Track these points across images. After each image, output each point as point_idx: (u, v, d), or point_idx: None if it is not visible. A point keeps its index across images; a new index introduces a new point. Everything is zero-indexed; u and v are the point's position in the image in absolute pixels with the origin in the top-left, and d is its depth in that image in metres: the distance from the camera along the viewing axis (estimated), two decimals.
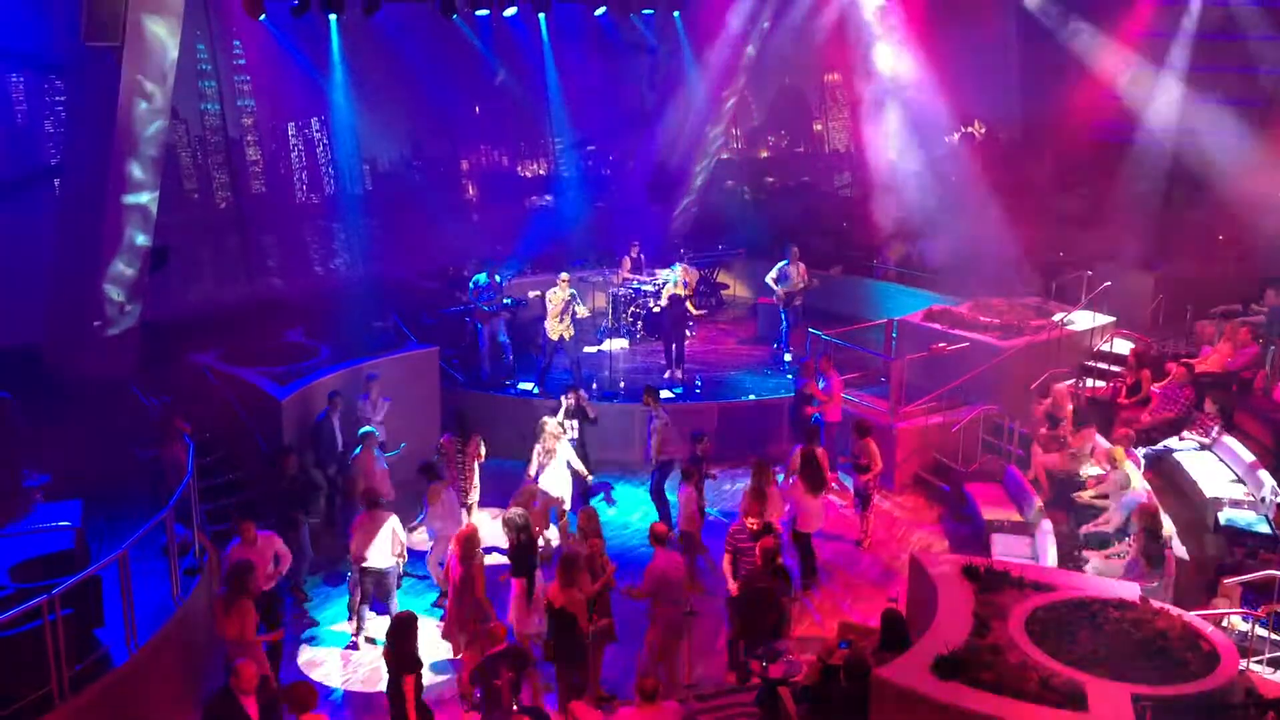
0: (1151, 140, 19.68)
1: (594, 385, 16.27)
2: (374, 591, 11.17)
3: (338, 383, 14.07)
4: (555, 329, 16.33)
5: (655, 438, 13.37)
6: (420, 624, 9.20)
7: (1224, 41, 19.29)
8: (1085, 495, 12.46)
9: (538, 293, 17.12)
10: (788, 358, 17.65)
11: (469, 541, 10.20)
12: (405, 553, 11.43)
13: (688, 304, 17.23)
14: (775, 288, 17.60)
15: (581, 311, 16.64)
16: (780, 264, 17.62)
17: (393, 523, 11.06)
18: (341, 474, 13.11)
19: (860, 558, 13.08)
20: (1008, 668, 7.99)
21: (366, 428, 12.92)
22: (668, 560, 10.01)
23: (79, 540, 10.16)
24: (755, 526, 10.56)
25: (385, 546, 10.97)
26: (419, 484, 12.28)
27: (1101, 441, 13.17)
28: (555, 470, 12.84)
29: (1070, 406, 13.87)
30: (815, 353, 15.75)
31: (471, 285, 16.75)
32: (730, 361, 18.19)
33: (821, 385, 14.42)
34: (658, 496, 13.42)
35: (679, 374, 16.97)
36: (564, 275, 16.62)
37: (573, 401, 13.95)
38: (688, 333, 17.68)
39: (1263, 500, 11.57)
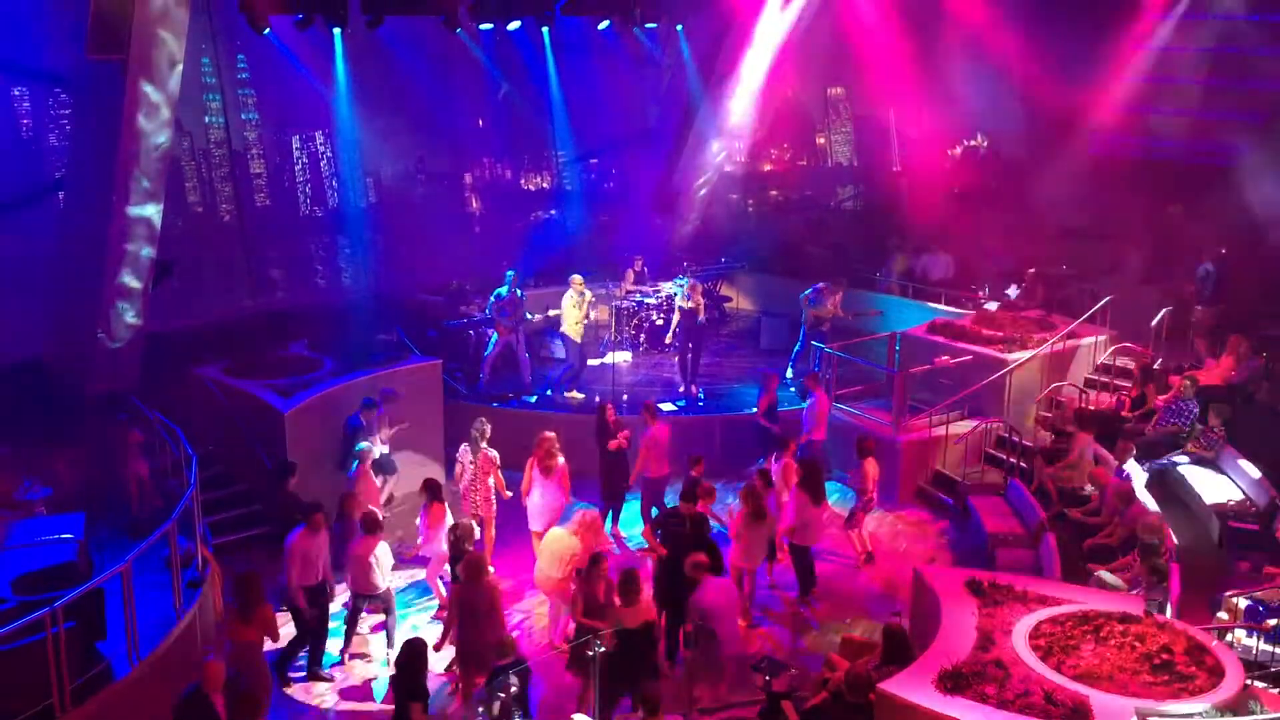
0: (1156, 153, 19.72)
1: (596, 398, 16.28)
2: (381, 611, 11.23)
3: (354, 393, 14.07)
4: (575, 331, 16.51)
5: (639, 455, 13.40)
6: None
7: (1226, 55, 19.32)
8: (1077, 512, 12.46)
9: (540, 316, 17.42)
10: (789, 374, 17.66)
11: (474, 567, 9.94)
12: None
13: (700, 317, 17.08)
14: (805, 308, 17.28)
15: (578, 314, 16.69)
16: (820, 284, 17.37)
17: (383, 546, 11.01)
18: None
19: (862, 572, 13.05)
20: (1012, 682, 7.97)
21: (362, 444, 12.84)
22: (718, 590, 9.92)
23: (81, 553, 10.16)
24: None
25: (384, 570, 10.97)
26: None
27: (1101, 450, 13.19)
28: (550, 484, 12.73)
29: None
30: (814, 367, 15.75)
31: (493, 298, 16.75)
32: (733, 374, 18.17)
33: (808, 402, 14.39)
34: (648, 513, 13.42)
35: (694, 389, 16.91)
36: (575, 277, 16.80)
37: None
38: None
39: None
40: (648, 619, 9.43)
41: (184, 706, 8.31)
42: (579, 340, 16.63)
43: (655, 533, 11.16)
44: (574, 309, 16.57)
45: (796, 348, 17.55)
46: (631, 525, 14.18)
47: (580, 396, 16.50)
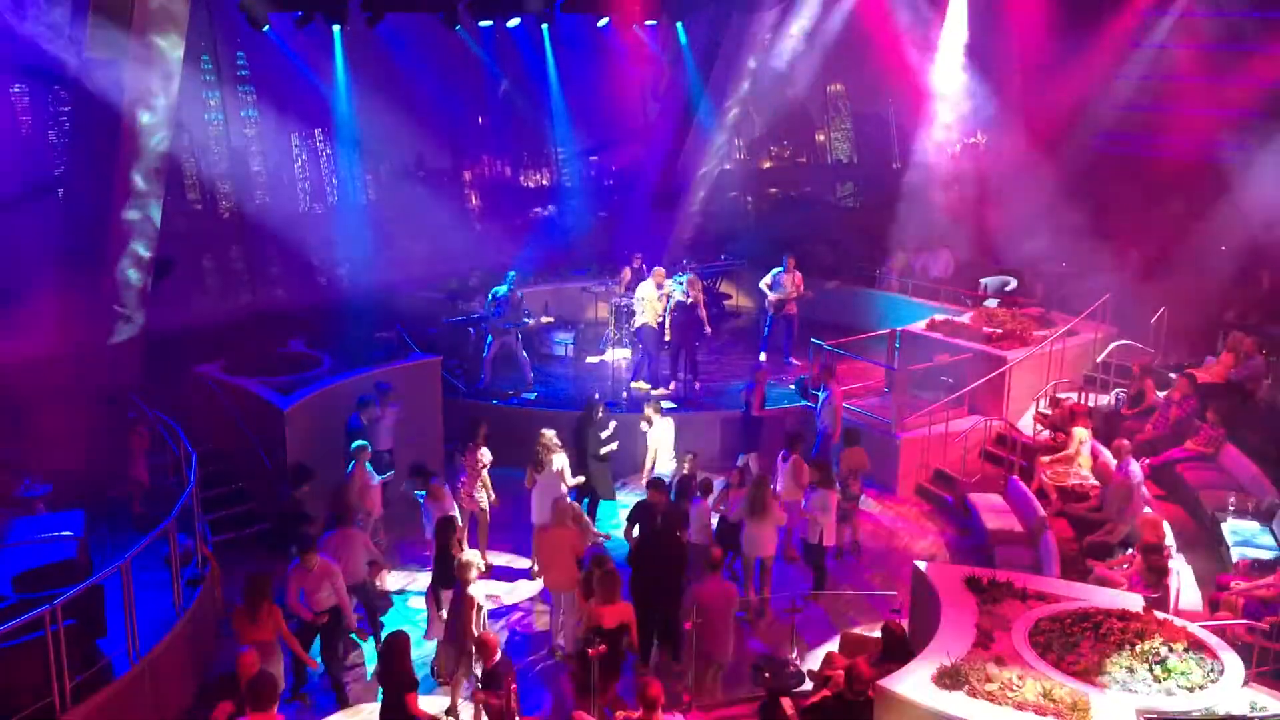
0: (1155, 152, 19.69)
1: (596, 395, 16.26)
2: (361, 606, 11.13)
3: (354, 390, 14.04)
4: (654, 323, 16.73)
5: (649, 453, 13.39)
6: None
7: (1226, 53, 19.27)
8: (1079, 508, 12.48)
9: (547, 317, 17.76)
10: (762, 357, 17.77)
11: (464, 567, 9.81)
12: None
13: (700, 313, 17.01)
14: (768, 294, 17.74)
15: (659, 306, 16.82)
16: (775, 270, 17.70)
17: (362, 538, 10.98)
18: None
19: (863, 569, 13.05)
20: (1011, 679, 7.98)
21: (359, 442, 12.80)
22: (717, 589, 9.95)
23: (81, 550, 10.17)
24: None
25: (360, 562, 10.90)
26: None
27: (1100, 447, 13.21)
28: (548, 481, 12.77)
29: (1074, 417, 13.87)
30: (819, 363, 15.73)
31: (490, 297, 16.73)
32: (732, 371, 18.17)
33: (822, 397, 14.37)
34: None
35: (696, 385, 16.91)
36: (658, 269, 17.11)
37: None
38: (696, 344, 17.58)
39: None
40: (624, 620, 9.38)
41: (214, 687, 8.30)
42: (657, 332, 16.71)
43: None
44: (655, 300, 16.60)
45: (765, 334, 17.95)
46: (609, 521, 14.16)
47: (664, 390, 16.56)
